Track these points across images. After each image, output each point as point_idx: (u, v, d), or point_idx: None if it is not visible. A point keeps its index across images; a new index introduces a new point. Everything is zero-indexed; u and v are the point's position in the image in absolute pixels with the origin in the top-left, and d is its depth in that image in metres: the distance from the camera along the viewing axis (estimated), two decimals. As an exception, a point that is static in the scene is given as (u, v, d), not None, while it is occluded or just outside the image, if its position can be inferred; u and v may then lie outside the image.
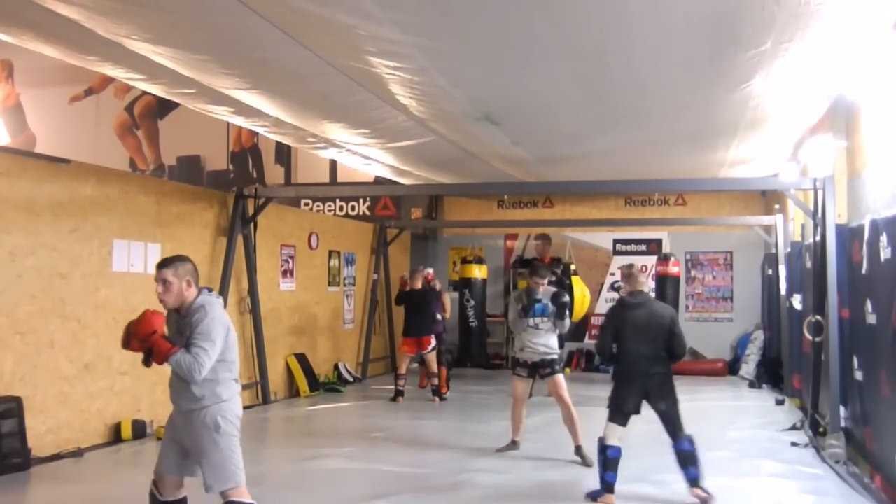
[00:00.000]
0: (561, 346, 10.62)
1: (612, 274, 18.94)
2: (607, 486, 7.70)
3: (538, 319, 9.64)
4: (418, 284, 14.55)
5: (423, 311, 14.46)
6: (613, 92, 9.18)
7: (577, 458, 9.26)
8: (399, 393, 14.21)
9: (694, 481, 7.73)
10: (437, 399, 14.15)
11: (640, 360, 7.81)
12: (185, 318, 5.47)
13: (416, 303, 14.44)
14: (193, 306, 5.46)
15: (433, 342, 14.41)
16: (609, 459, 7.69)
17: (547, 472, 8.97)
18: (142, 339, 5.29)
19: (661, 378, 7.84)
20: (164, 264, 5.52)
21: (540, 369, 9.71)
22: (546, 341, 9.71)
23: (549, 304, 9.63)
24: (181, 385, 5.47)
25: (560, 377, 9.69)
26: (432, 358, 14.36)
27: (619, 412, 7.81)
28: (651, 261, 18.14)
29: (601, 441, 7.77)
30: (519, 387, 9.87)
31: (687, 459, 7.76)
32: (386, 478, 8.80)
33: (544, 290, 9.72)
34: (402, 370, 14.33)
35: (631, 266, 8.43)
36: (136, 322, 5.32)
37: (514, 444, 9.90)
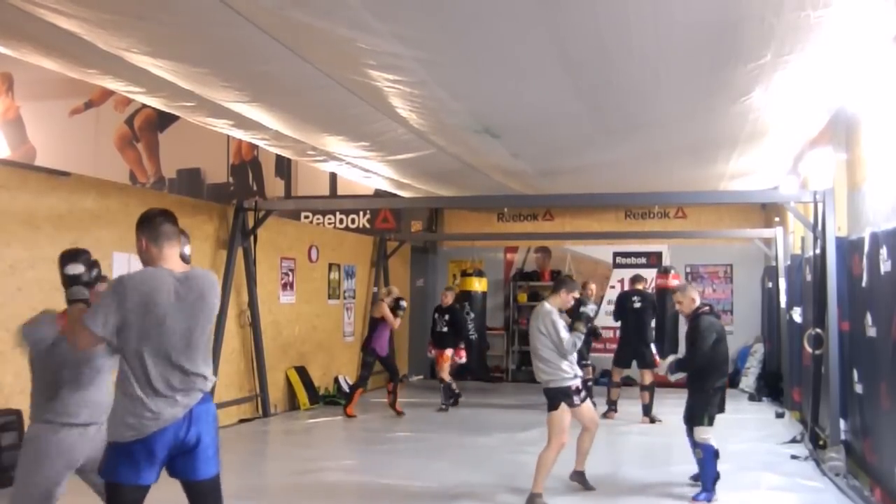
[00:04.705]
0: None
1: (613, 287, 18.93)
2: (716, 481, 8.38)
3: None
4: None
5: None
6: (613, 104, 9.20)
7: (576, 483, 8.85)
8: None
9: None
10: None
11: (728, 369, 8.71)
12: None
13: None
14: None
15: None
16: (717, 459, 8.37)
17: (550, 482, 8.96)
18: None
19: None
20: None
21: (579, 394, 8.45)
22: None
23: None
24: None
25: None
26: None
27: (715, 416, 8.43)
28: (651, 273, 18.11)
29: (711, 446, 8.29)
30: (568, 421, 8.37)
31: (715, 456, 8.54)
32: (385, 491, 8.79)
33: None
34: None
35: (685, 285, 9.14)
36: None
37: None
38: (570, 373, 8.25)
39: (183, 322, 4.56)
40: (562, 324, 8.27)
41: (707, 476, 8.33)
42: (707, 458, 8.29)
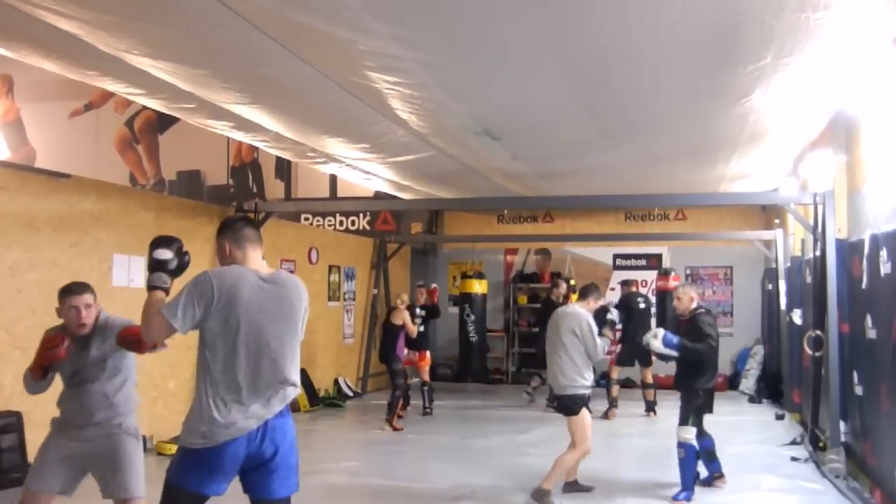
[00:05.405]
0: None
1: (613, 289, 18.92)
2: (696, 480, 8.56)
3: None
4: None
5: None
6: (614, 107, 9.20)
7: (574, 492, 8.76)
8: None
9: (719, 470, 8.96)
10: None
11: (716, 371, 8.81)
12: (98, 335, 5.63)
13: None
14: (108, 320, 5.70)
15: None
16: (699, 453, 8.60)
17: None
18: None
19: None
20: (83, 289, 5.67)
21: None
22: None
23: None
24: None
25: None
26: None
27: (702, 416, 8.61)
28: (651, 276, 18.13)
29: (692, 446, 8.42)
30: None
31: (713, 455, 8.89)
32: (386, 493, 8.80)
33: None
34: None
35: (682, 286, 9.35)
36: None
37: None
38: (590, 381, 8.34)
39: (265, 324, 4.40)
40: (595, 330, 8.31)
41: (686, 475, 8.41)
42: (688, 457, 8.39)
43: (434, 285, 15.45)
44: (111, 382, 5.61)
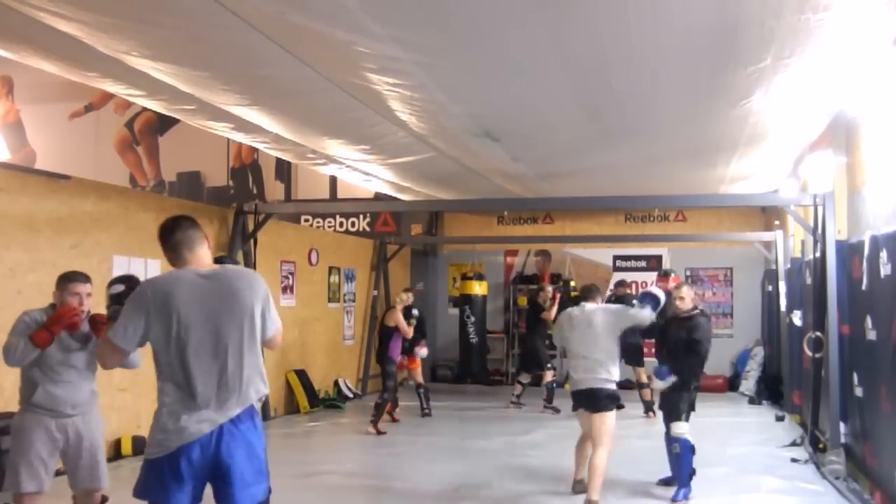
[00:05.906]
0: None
1: (612, 290, 18.92)
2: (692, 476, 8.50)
3: None
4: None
5: None
6: (613, 108, 9.21)
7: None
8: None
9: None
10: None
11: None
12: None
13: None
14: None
15: None
16: (693, 455, 8.46)
17: (549, 486, 8.95)
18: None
19: None
20: (87, 279, 6.09)
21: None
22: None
23: None
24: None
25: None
26: None
27: (690, 413, 8.56)
28: (651, 277, 18.11)
29: (688, 441, 8.38)
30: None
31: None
32: (386, 494, 8.79)
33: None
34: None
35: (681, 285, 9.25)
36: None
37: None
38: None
39: (210, 323, 4.25)
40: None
41: (683, 471, 8.42)
42: (684, 453, 8.39)
43: (416, 312, 14.12)
44: (93, 374, 5.99)
